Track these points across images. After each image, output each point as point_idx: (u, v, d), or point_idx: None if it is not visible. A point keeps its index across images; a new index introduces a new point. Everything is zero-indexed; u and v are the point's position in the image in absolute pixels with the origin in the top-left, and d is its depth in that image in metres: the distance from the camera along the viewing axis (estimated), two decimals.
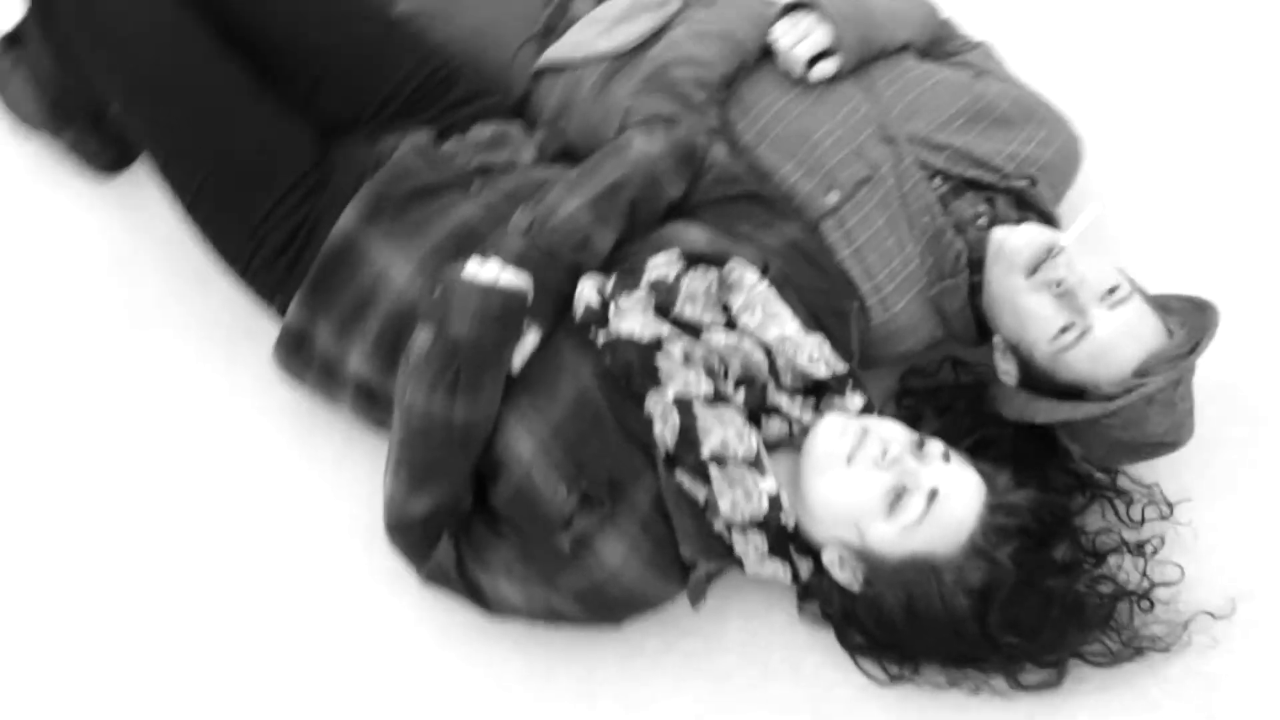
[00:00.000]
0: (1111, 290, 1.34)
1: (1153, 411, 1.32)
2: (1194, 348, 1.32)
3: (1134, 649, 1.34)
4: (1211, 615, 1.39)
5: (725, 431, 1.25)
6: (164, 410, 1.59)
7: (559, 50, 1.59)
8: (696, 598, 1.32)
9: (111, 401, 1.60)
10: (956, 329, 1.49)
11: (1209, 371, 1.41)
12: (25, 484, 1.53)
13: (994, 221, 1.47)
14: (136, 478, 1.54)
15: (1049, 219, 1.49)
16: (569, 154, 1.54)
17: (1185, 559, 1.44)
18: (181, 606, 1.46)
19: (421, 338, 1.27)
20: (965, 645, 1.28)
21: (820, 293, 1.41)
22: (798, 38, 1.50)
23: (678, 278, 1.30)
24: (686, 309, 1.30)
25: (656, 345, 1.27)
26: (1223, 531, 1.49)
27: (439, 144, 1.47)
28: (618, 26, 1.60)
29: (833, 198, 1.48)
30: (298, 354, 1.44)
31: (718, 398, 1.27)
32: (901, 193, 1.47)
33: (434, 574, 1.34)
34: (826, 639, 1.39)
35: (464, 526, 1.34)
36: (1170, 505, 1.46)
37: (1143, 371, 1.32)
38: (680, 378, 1.26)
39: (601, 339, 1.28)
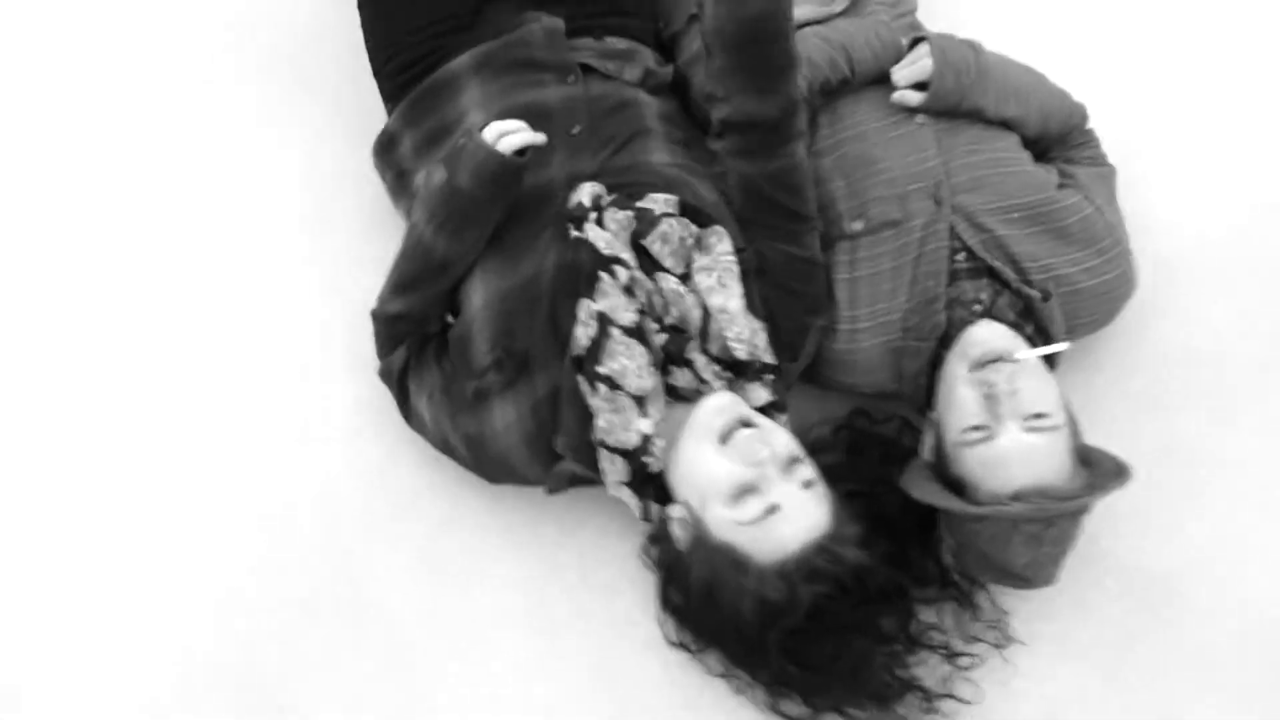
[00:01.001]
0: (1037, 415, 1.37)
1: (1017, 539, 1.36)
2: (1075, 499, 1.35)
3: None
4: None
5: (627, 363, 1.36)
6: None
7: None
8: (554, 487, 1.47)
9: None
10: (907, 390, 1.53)
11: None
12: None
13: (987, 313, 1.49)
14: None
15: (1047, 337, 1.49)
16: (675, 89, 1.66)
17: (992, 689, 1.49)
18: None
19: (436, 175, 1.44)
20: (742, 648, 1.38)
21: (791, 296, 1.48)
22: (908, 64, 1.57)
23: (662, 215, 1.40)
24: (656, 245, 1.41)
25: (612, 261, 1.38)
26: (1036, 687, 1.53)
27: (572, 36, 1.59)
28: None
29: (856, 226, 1.52)
30: (385, 155, 1.64)
31: (636, 333, 1.37)
32: (920, 250, 1.50)
33: (383, 370, 1.58)
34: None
35: (421, 345, 1.54)
36: (1008, 640, 1.51)
37: (1019, 497, 1.35)
38: (613, 300, 1.37)
39: (572, 234, 1.40)
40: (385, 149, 1.63)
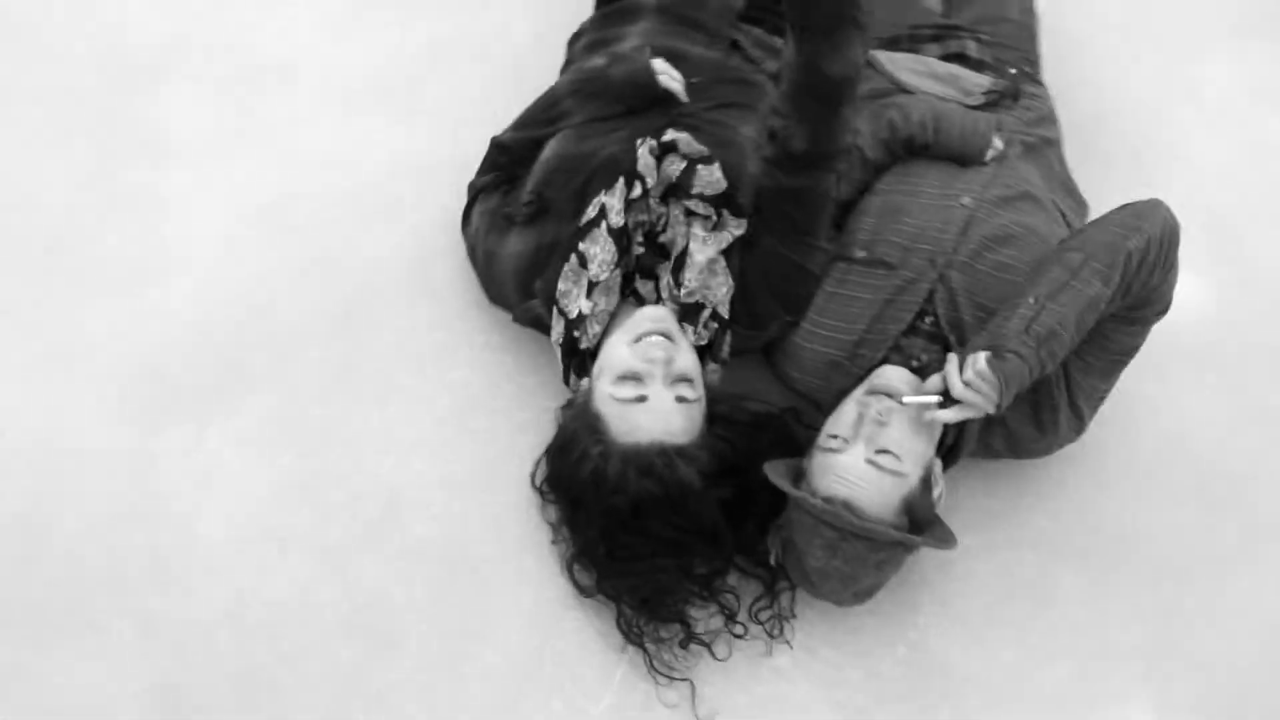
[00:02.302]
0: (886, 452, 1.53)
1: (818, 541, 1.53)
2: (869, 525, 1.49)
3: (638, 638, 1.66)
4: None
5: (598, 252, 1.65)
6: None
7: (885, 58, 1.93)
8: (519, 318, 1.80)
9: None
10: (828, 404, 1.71)
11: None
12: None
13: (920, 371, 1.65)
14: None
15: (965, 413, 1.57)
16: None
17: (741, 663, 1.72)
18: None
19: (596, 60, 1.84)
20: (570, 507, 1.65)
21: (772, 286, 1.70)
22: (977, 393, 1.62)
23: (704, 161, 1.67)
24: (695, 186, 1.66)
25: (637, 177, 1.65)
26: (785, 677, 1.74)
27: (744, 19, 1.93)
28: (927, 79, 1.90)
29: (859, 254, 1.72)
30: (571, 43, 2.03)
31: (618, 234, 1.64)
32: (896, 296, 1.68)
33: (471, 183, 1.92)
34: None
35: (501, 180, 1.88)
36: (780, 633, 1.72)
37: (828, 502, 1.51)
38: (617, 203, 1.65)
39: (640, 145, 1.68)
40: (573, 39, 2.02)
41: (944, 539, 1.58)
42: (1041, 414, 1.68)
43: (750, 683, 1.73)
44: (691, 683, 1.70)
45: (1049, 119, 1.95)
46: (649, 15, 1.92)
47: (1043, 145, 1.88)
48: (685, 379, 1.60)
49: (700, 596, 1.67)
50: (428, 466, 1.87)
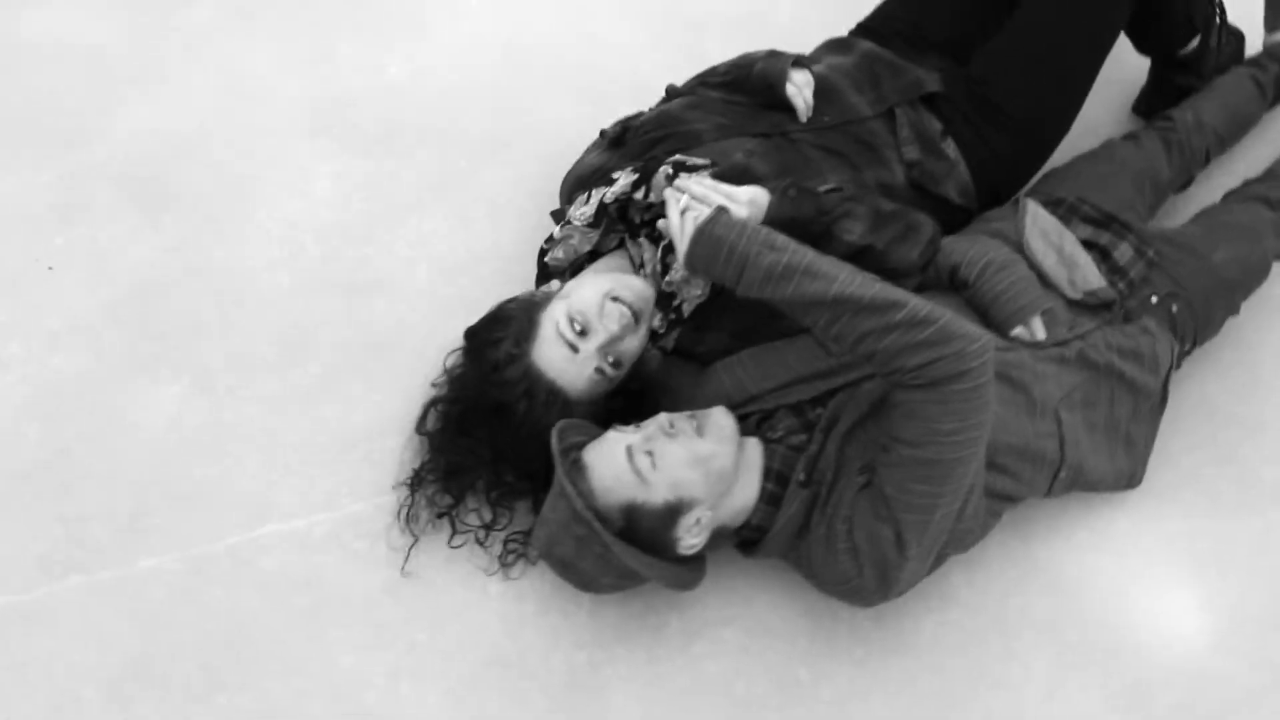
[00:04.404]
0: (646, 453, 1.50)
1: (553, 493, 1.56)
2: (564, 494, 1.50)
3: (414, 486, 1.76)
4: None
5: (585, 208, 1.76)
6: None
7: (1034, 209, 1.82)
8: (554, 213, 1.95)
9: None
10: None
11: None
12: None
13: (781, 440, 1.60)
14: None
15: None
16: (921, 195, 1.87)
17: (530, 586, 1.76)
18: None
19: (759, 54, 1.90)
20: (467, 354, 1.72)
21: (731, 318, 1.73)
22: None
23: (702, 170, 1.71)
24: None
25: (677, 167, 1.70)
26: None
27: (925, 101, 1.90)
28: (1049, 250, 1.77)
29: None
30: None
31: (613, 206, 1.74)
32: (815, 381, 1.64)
33: None
34: None
35: None
36: (509, 565, 1.75)
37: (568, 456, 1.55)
38: (616, 189, 1.72)
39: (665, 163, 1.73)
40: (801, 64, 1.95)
41: (663, 573, 1.53)
42: (835, 542, 1.53)
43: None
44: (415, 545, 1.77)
45: (1149, 366, 1.73)
46: (853, 54, 1.95)
47: (1111, 376, 1.70)
48: (618, 361, 1.65)
49: (486, 495, 1.76)
50: None
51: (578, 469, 1.52)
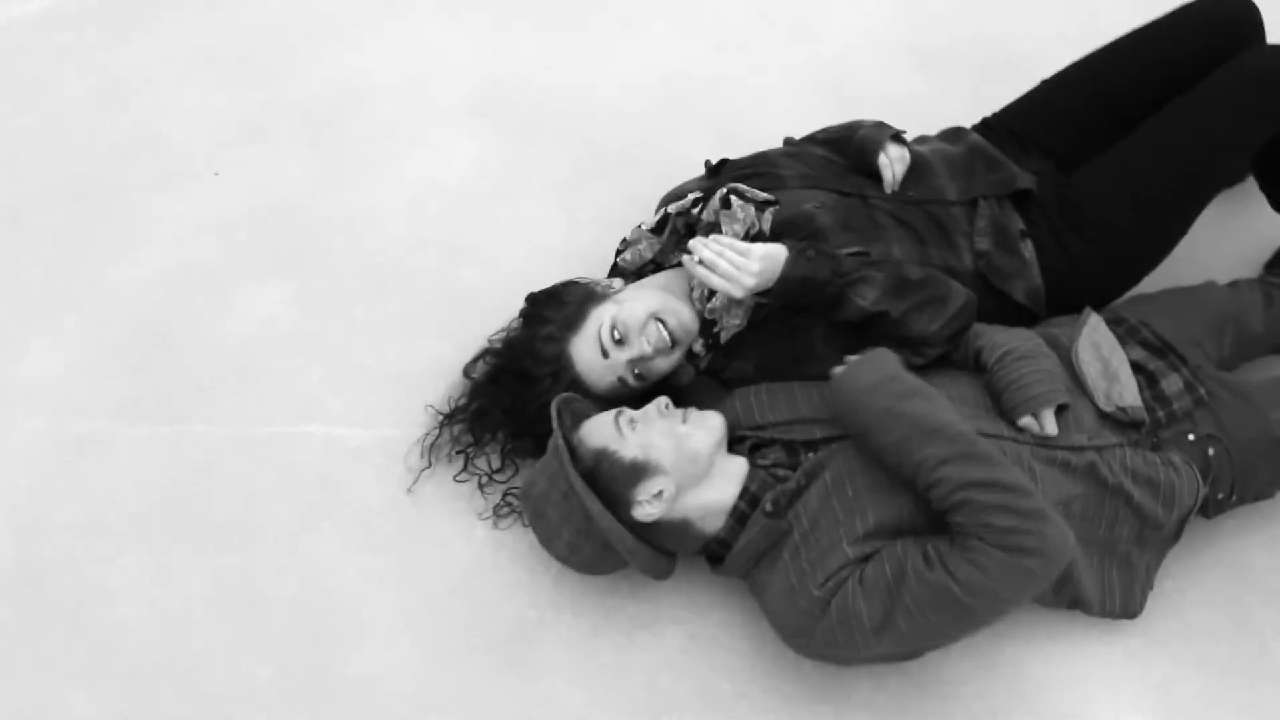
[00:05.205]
0: (630, 420, 1.64)
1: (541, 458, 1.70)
2: (564, 464, 1.60)
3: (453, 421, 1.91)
4: None
5: (643, 229, 1.93)
6: None
7: (1095, 321, 1.80)
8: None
9: None
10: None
11: None
12: None
13: (767, 468, 1.65)
14: None
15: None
16: (987, 290, 1.87)
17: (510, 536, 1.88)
18: None
19: (868, 125, 1.99)
20: (524, 314, 1.87)
21: (759, 350, 1.82)
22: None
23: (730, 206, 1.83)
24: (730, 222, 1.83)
25: (730, 193, 1.82)
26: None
27: (1017, 199, 1.93)
28: (1094, 361, 1.74)
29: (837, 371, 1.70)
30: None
31: (663, 219, 1.90)
32: (819, 417, 1.68)
33: None
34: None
35: None
36: (495, 517, 1.86)
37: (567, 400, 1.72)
38: (680, 205, 1.88)
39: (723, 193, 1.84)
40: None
41: (619, 537, 1.59)
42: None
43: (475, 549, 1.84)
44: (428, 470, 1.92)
45: (1164, 498, 1.66)
46: (961, 144, 2.00)
47: (1119, 497, 1.64)
48: (643, 376, 1.77)
49: (501, 447, 1.88)
50: None
51: (573, 419, 1.69)
